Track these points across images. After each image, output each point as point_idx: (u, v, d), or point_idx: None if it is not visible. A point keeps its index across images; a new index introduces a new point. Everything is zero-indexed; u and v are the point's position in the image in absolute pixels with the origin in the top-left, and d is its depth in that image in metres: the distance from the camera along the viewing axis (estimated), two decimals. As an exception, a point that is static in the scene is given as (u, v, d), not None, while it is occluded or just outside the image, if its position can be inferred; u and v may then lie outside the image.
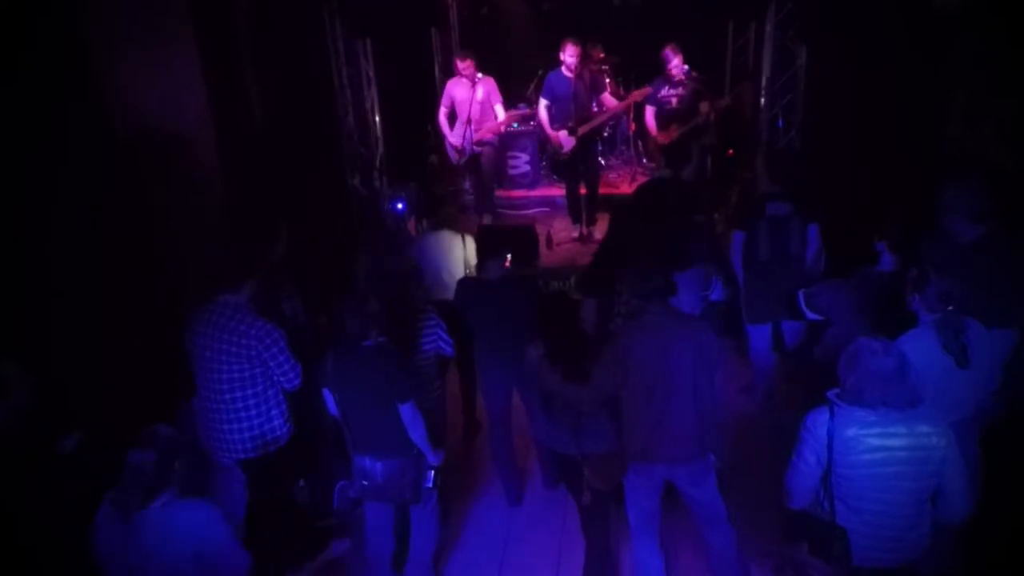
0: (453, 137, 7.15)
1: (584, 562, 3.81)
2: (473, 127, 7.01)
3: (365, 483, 3.51)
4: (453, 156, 7.30)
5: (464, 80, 6.95)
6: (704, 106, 6.75)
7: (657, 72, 6.92)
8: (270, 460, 3.75)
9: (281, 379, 3.68)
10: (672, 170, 5.28)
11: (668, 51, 6.65)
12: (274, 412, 3.72)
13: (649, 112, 6.98)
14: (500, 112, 7.11)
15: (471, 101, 6.96)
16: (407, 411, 3.41)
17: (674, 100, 6.87)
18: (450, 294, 4.63)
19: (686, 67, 6.68)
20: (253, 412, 3.66)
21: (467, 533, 4.36)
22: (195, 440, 3.83)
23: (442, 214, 5.19)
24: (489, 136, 7.20)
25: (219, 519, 2.74)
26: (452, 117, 7.18)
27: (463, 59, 6.91)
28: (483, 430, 5.02)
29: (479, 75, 6.96)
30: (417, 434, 3.46)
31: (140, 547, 2.62)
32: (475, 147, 7.13)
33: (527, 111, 8.60)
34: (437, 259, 4.99)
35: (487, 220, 7.47)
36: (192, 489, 2.73)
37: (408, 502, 3.62)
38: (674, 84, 6.80)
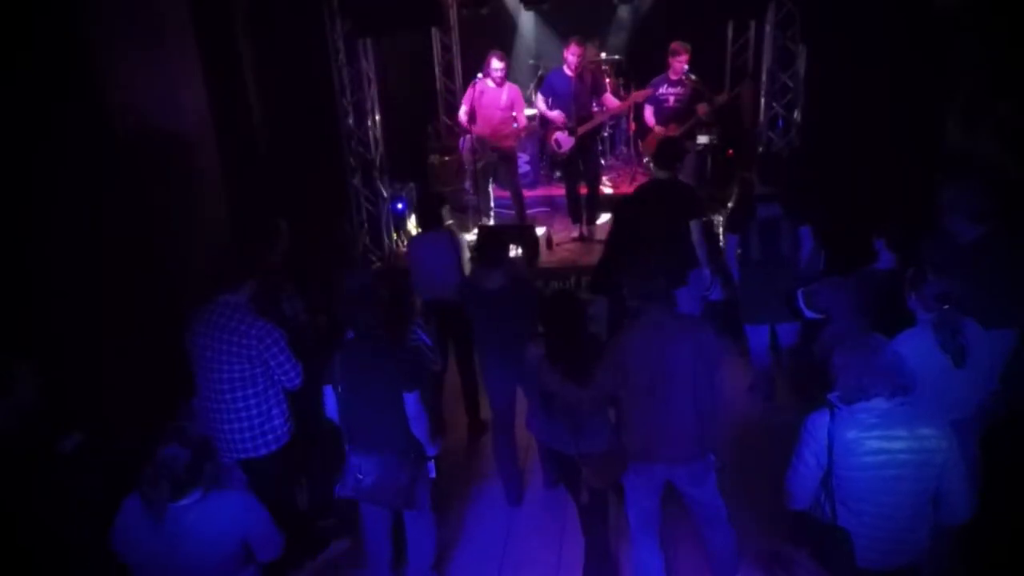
0: (472, 137, 7.07)
1: (584, 562, 3.82)
2: (493, 133, 6.98)
3: (360, 477, 3.50)
4: (468, 158, 7.24)
5: (491, 83, 6.88)
6: (701, 108, 6.77)
7: (657, 72, 6.93)
8: (270, 460, 3.75)
9: (282, 379, 3.68)
10: (667, 171, 5.27)
11: (675, 47, 6.65)
12: (274, 412, 3.72)
13: (648, 111, 6.99)
14: (522, 119, 7.08)
15: (494, 107, 6.92)
16: (412, 401, 3.42)
17: (672, 99, 6.88)
18: (442, 294, 4.64)
19: (686, 67, 6.69)
20: (254, 412, 3.66)
21: (467, 533, 4.36)
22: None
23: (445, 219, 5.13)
24: (510, 145, 7.17)
25: (254, 504, 2.83)
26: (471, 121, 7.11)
27: (501, 59, 6.75)
28: (487, 430, 5.02)
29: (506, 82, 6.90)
30: (419, 427, 3.48)
31: (182, 541, 2.62)
32: (492, 154, 7.10)
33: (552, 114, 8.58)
34: (429, 259, 4.99)
35: (487, 220, 7.48)
36: (216, 485, 2.75)
37: (401, 507, 3.62)
38: (673, 83, 6.81)
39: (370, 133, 7.15)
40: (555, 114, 6.83)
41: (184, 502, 2.62)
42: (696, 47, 6.82)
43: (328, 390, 3.55)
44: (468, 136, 7.04)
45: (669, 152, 5.33)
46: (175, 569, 2.65)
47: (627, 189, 8.23)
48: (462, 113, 7.02)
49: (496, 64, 6.74)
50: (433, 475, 3.65)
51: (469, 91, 7.04)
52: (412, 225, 7.72)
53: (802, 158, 6.69)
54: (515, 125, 7.05)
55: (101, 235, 4.08)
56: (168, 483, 2.58)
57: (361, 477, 3.49)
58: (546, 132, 7.20)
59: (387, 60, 7.58)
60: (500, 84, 6.85)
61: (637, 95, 6.97)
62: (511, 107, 6.96)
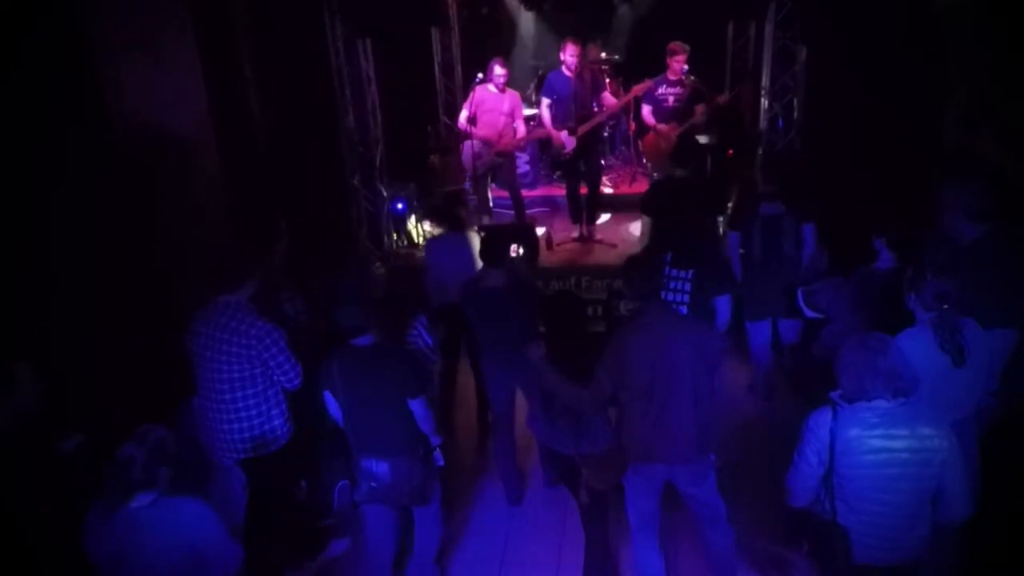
0: (475, 142, 7.06)
1: (584, 562, 3.82)
2: (498, 138, 6.98)
3: (373, 485, 3.51)
4: (468, 161, 7.23)
5: (493, 88, 6.89)
6: (699, 109, 6.77)
7: (656, 72, 6.93)
8: (270, 460, 3.75)
9: (281, 379, 3.68)
10: (684, 168, 5.27)
11: (674, 47, 6.65)
12: (274, 412, 3.72)
13: (646, 110, 6.99)
14: (521, 128, 7.08)
15: (497, 111, 6.92)
16: (419, 407, 3.44)
17: (671, 99, 6.88)
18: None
19: (686, 67, 6.69)
20: (253, 412, 3.66)
21: (468, 533, 4.37)
22: (195, 439, 3.84)
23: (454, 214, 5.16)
24: (512, 150, 7.16)
25: (208, 515, 2.76)
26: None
27: (503, 66, 6.81)
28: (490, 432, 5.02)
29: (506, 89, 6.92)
30: (427, 426, 3.52)
31: (132, 544, 2.62)
32: (495, 158, 7.10)
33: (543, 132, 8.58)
34: (449, 261, 4.97)
35: (486, 219, 7.47)
36: (180, 489, 2.72)
37: (415, 504, 3.62)
38: (672, 83, 6.81)
39: (370, 133, 7.14)
40: (556, 133, 6.79)
41: (135, 504, 2.61)
42: (696, 47, 6.81)
43: (328, 395, 3.55)
44: (470, 142, 7.04)
45: (687, 150, 5.38)
46: (127, 570, 2.63)
47: (627, 189, 8.24)
48: (463, 119, 7.02)
49: (499, 71, 6.80)
50: (441, 463, 3.65)
51: (470, 96, 7.05)
52: (412, 225, 7.71)
53: (802, 158, 6.69)
54: (515, 131, 7.06)
55: (101, 235, 4.08)
56: (116, 483, 2.58)
57: (376, 483, 3.50)
58: (548, 132, 7.18)
59: (387, 60, 7.58)
60: (502, 91, 6.89)
61: (637, 89, 6.96)
62: (512, 113, 6.98)
